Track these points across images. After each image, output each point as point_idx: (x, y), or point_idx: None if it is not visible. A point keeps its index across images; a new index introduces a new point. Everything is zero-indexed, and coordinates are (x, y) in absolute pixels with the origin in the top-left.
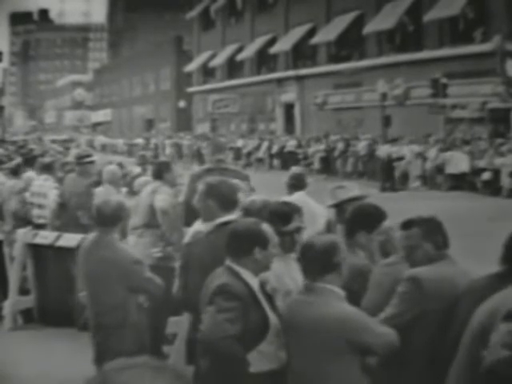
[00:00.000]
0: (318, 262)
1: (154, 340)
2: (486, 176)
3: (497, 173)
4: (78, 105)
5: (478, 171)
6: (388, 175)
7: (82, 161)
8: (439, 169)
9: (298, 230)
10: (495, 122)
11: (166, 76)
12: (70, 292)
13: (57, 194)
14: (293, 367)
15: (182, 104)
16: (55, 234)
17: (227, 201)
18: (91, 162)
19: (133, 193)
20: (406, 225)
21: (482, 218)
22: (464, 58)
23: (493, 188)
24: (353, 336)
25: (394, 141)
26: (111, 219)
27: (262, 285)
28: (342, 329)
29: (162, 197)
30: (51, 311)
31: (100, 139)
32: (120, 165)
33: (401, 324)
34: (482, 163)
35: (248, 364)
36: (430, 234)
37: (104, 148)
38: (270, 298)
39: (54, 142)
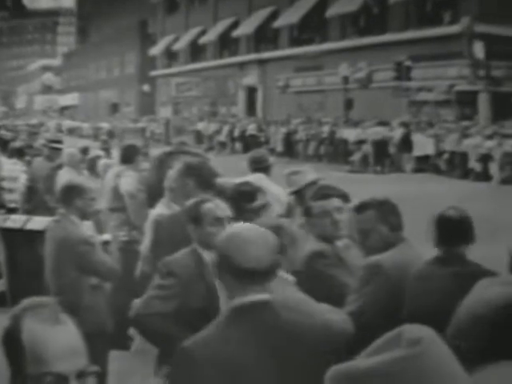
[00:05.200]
0: None
1: (118, 322)
2: (451, 158)
3: (463, 155)
4: (47, 89)
5: (443, 153)
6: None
7: (49, 145)
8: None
9: (264, 207)
10: (462, 104)
11: (131, 60)
12: (39, 275)
13: (26, 178)
14: None
15: (145, 88)
16: (24, 217)
17: (205, 181)
18: (56, 149)
19: (95, 175)
20: (360, 208)
21: (454, 201)
22: (430, 41)
23: (461, 171)
24: None
25: (383, 124)
26: (63, 200)
27: None
28: None
29: (129, 180)
30: (22, 294)
31: (67, 123)
32: (86, 149)
33: (364, 322)
34: (447, 146)
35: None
36: (384, 216)
37: (71, 132)
38: None
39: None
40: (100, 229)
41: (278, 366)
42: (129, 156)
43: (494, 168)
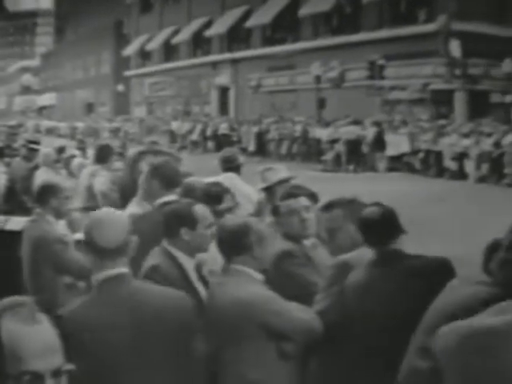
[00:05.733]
0: (228, 243)
1: None
2: (426, 157)
3: (438, 154)
4: (25, 90)
5: (417, 152)
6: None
7: (27, 145)
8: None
9: (230, 209)
10: (437, 103)
11: (106, 60)
12: (18, 275)
13: (6, 179)
14: (212, 351)
15: (120, 88)
16: (3, 217)
17: (170, 181)
18: (34, 149)
19: (71, 174)
20: (328, 207)
21: (429, 200)
22: (404, 40)
23: (436, 169)
24: (263, 320)
25: (356, 123)
26: (38, 200)
27: (198, 267)
28: (251, 312)
29: (102, 180)
30: (1, 294)
31: (45, 123)
32: (62, 149)
33: (332, 321)
34: (423, 145)
35: None
36: (352, 215)
37: (49, 132)
38: (206, 281)
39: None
40: (74, 228)
41: (133, 332)
42: (103, 156)
43: (469, 167)
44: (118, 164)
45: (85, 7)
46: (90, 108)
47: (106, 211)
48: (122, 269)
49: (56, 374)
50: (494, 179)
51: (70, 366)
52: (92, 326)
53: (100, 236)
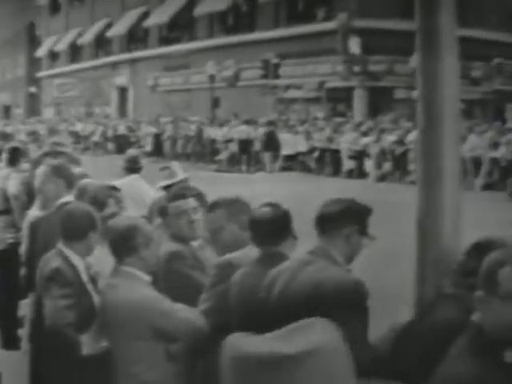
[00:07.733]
0: (116, 244)
1: (7, 323)
2: (321, 156)
3: (335, 153)
4: None
5: (313, 151)
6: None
7: None
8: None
9: (113, 215)
10: (334, 101)
11: (21, 62)
12: None
13: None
14: (109, 352)
15: (32, 89)
16: None
17: (72, 182)
18: None
19: None
20: (210, 207)
21: (323, 199)
22: (301, 38)
23: (333, 168)
24: (150, 321)
25: (251, 122)
26: None
27: (87, 269)
28: (138, 313)
29: (14, 182)
30: None
31: None
32: None
33: (216, 321)
34: (318, 143)
35: (81, 348)
36: (234, 215)
37: None
38: (94, 282)
39: None
40: None
41: None
42: (14, 158)
43: (369, 165)
44: (25, 165)
45: (2, 10)
46: (7, 111)
47: None
48: None
49: None
50: (396, 177)
51: None
52: None
53: None
